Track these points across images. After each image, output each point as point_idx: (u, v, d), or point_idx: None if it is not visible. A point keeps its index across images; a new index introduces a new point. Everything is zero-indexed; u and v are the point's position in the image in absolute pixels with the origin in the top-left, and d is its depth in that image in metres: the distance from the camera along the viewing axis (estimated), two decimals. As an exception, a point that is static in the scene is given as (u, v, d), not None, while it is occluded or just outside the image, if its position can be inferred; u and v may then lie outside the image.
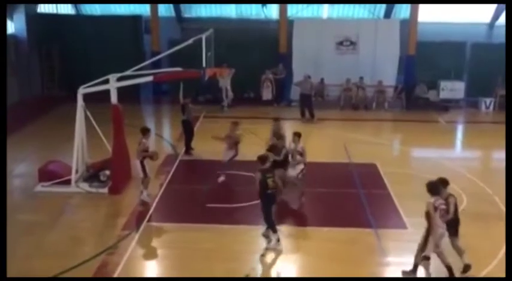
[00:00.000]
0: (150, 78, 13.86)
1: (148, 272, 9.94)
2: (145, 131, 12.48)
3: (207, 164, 15.38)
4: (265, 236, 10.53)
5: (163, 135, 19.06)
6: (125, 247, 10.36)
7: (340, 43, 23.91)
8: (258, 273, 9.64)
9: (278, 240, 10.36)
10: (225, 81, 22.49)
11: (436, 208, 9.13)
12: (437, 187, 9.37)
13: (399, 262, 10.17)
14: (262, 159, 10.64)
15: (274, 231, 10.41)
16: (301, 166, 12.52)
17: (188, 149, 16.20)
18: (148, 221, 11.63)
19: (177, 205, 12.74)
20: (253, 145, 17.17)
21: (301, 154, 12.55)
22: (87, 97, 13.27)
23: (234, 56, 22.19)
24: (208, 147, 16.11)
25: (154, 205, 12.46)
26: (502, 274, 9.51)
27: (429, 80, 23.62)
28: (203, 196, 13.00)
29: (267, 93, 22.79)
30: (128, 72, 13.51)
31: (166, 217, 12.13)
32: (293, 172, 12.46)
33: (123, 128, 13.49)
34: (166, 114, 23.28)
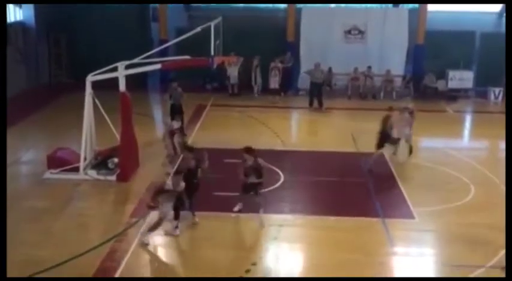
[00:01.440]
0: (158, 66, 13.85)
1: (156, 259, 9.99)
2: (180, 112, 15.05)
3: (213, 152, 15.33)
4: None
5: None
6: (134, 234, 10.41)
7: (348, 32, 23.75)
8: (265, 262, 9.66)
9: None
10: (233, 69, 22.48)
11: None
12: None
13: (407, 252, 10.20)
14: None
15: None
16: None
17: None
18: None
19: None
20: (263, 134, 17.25)
21: (259, 172, 10.90)
22: (95, 85, 13.28)
23: (241, 44, 22.11)
24: (215, 135, 16.14)
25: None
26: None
27: (438, 69, 23.45)
28: (210, 183, 13.02)
29: (274, 82, 22.73)
30: (136, 60, 13.50)
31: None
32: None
33: (131, 115, 13.50)
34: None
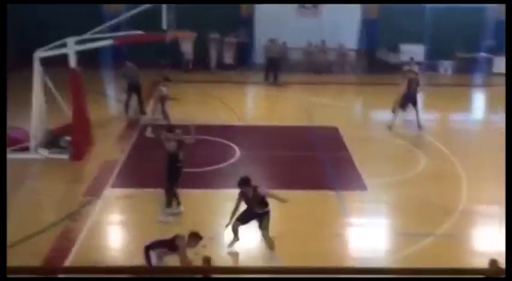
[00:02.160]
0: (110, 42, 13.55)
1: (111, 238, 9.94)
2: (166, 79, 14.90)
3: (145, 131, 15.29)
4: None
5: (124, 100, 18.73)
6: (88, 213, 10.30)
7: (302, 6, 23.76)
8: (222, 237, 9.73)
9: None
10: (187, 45, 22.20)
11: None
12: None
13: (360, 222, 10.44)
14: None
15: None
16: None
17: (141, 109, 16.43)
18: (111, 187, 11.56)
19: (141, 170, 12.66)
20: (218, 109, 17.21)
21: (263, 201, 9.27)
22: (45, 61, 12.90)
23: (195, 19, 21.80)
24: (170, 111, 15.97)
25: (117, 170, 12.37)
26: (458, 231, 9.91)
27: (390, 43, 23.78)
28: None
29: (228, 57, 22.61)
30: (87, 35, 13.16)
31: (129, 183, 12.06)
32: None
33: (83, 93, 13.23)
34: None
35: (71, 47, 12.72)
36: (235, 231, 9.23)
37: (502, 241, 9.91)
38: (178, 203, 10.47)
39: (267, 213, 9.10)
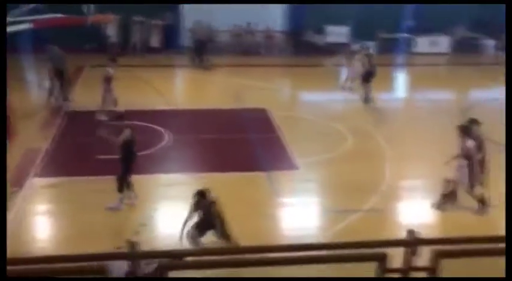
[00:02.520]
0: (29, 25, 12.96)
1: (37, 228, 9.62)
2: (112, 60, 14.68)
3: (94, 115, 14.89)
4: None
5: (46, 86, 18.05)
6: (11, 205, 9.90)
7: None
8: (154, 222, 9.65)
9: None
10: (111, 28, 21.60)
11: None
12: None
13: (292, 201, 10.62)
14: None
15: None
16: None
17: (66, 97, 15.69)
18: (35, 176, 11.16)
19: (65, 158, 12.30)
20: (147, 93, 16.91)
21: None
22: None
23: (119, 2, 21.23)
24: (95, 97, 15.56)
25: (40, 159, 11.95)
26: (384, 206, 10.29)
27: (316, 24, 24.11)
28: (93, 147, 12.64)
29: (155, 41, 22.20)
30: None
31: (54, 171, 11.69)
32: None
33: (6, 77, 12.61)
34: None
35: (-13, 31, 12.07)
36: (196, 243, 8.57)
37: (424, 213, 10.44)
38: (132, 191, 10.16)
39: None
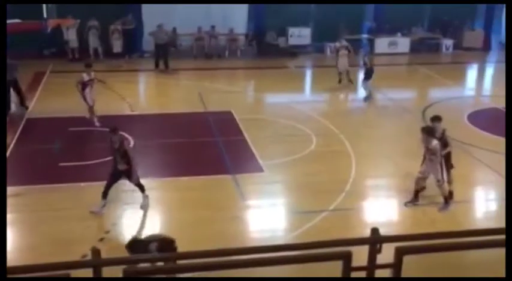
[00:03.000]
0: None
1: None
2: (86, 66, 14.16)
3: (55, 121, 14.65)
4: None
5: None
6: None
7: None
8: (119, 229, 9.54)
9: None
10: (71, 33, 21.26)
11: None
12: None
13: (258, 204, 10.64)
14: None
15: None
16: None
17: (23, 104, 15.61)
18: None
19: (26, 166, 12.04)
20: (110, 99, 16.70)
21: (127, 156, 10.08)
22: None
23: (78, 6, 20.94)
24: (56, 104, 15.32)
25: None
26: (349, 205, 10.42)
27: (278, 27, 24.26)
28: (55, 155, 12.43)
29: (117, 46, 21.98)
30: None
31: (14, 180, 11.41)
32: None
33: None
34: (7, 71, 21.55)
35: None
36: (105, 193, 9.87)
37: (388, 211, 10.62)
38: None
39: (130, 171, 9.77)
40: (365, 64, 17.54)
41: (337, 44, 19.28)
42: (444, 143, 10.15)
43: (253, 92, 19.49)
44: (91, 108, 14.09)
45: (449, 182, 10.44)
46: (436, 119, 10.45)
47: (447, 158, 10.33)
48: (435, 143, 9.90)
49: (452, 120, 14.99)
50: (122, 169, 9.82)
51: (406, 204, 10.39)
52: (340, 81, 18.59)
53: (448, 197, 10.28)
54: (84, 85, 13.88)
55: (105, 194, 9.90)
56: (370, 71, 17.26)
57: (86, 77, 13.93)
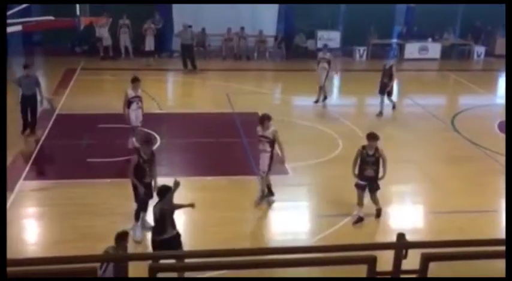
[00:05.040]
0: (18, 28, 12.93)
1: (26, 231, 9.57)
2: (133, 80, 12.33)
3: (85, 118, 14.87)
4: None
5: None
6: (1, 207, 9.84)
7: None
8: (144, 226, 9.62)
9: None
10: (104, 31, 21.57)
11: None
12: None
13: (282, 206, 10.63)
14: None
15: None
16: None
17: (31, 129, 13.57)
18: (25, 179, 11.11)
19: (55, 161, 12.27)
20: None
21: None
22: None
23: (109, 4, 21.21)
24: (86, 100, 15.54)
25: (31, 162, 11.90)
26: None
27: (307, 29, 24.22)
28: (83, 150, 12.62)
29: (149, 44, 22.20)
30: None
31: (44, 174, 11.67)
32: None
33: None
34: (40, 67, 21.94)
35: (-24, 34, 12.01)
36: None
37: (414, 217, 10.51)
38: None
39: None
40: (389, 73, 15.73)
41: (320, 54, 17.06)
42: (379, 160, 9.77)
43: (281, 94, 19.48)
44: (133, 129, 12.51)
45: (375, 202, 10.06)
46: (371, 137, 9.85)
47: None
48: (271, 129, 10.22)
49: (482, 128, 14.80)
50: (147, 182, 9.12)
51: (256, 203, 10.31)
52: (317, 100, 16.72)
53: (269, 192, 10.40)
54: (129, 102, 12.24)
55: (137, 216, 9.28)
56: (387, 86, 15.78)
57: (131, 93, 12.28)
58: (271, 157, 10.25)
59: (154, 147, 12.69)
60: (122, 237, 7.10)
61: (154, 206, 7.83)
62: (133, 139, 12.33)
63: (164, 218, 7.64)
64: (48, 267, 3.32)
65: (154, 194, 8.45)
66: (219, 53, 23.19)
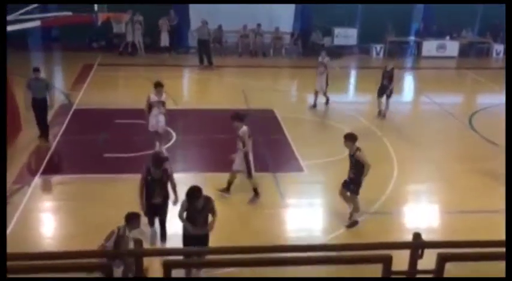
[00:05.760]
0: (37, 23, 13.04)
1: (43, 225, 9.67)
2: (155, 85, 11.98)
3: (103, 113, 14.96)
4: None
5: (55, 84, 18.16)
6: (18, 201, 9.96)
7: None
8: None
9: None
10: (122, 27, 21.69)
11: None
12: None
13: (297, 203, 10.62)
14: None
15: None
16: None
17: (44, 132, 12.98)
18: (42, 173, 11.22)
19: (72, 156, 12.36)
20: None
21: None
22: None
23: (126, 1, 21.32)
24: (103, 95, 15.62)
25: (48, 157, 12.01)
26: (389, 209, 10.28)
27: (324, 26, 24.12)
28: (99, 146, 12.70)
29: (164, 40, 22.28)
30: (13, 17, 12.61)
31: (61, 169, 11.77)
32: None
33: (9, 77, 12.69)
34: (58, 62, 22.17)
35: (-4, 29, 12.14)
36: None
37: (428, 217, 10.43)
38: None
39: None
40: (389, 75, 15.16)
41: (319, 59, 16.58)
42: (358, 162, 9.36)
43: (297, 91, 19.44)
44: (157, 135, 12.18)
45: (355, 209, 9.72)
46: (345, 137, 9.60)
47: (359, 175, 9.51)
48: (243, 129, 10.05)
49: (500, 127, 14.55)
50: (156, 202, 8.66)
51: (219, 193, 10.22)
52: (314, 105, 16.29)
53: (256, 191, 10.26)
54: (150, 106, 11.94)
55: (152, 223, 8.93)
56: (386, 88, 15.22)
57: (153, 97, 11.94)
58: (246, 158, 10.13)
59: (170, 143, 12.76)
60: (132, 217, 7.25)
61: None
62: (158, 144, 12.17)
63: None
64: (63, 261, 3.35)
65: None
66: (235, 49, 23.20)
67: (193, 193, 7.46)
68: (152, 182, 8.49)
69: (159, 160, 8.62)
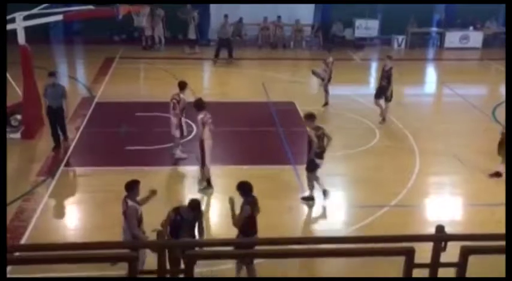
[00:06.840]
0: (60, 17, 13.15)
1: (66, 217, 9.80)
2: (181, 85, 11.70)
3: (124, 106, 15.07)
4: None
5: (77, 77, 18.35)
6: (42, 193, 10.11)
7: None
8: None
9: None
10: (143, 20, 21.77)
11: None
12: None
13: (318, 195, 10.58)
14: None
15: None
16: None
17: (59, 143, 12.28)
18: (65, 166, 11.36)
19: (95, 149, 12.48)
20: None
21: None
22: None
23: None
24: (124, 89, 15.72)
25: (71, 149, 12.15)
26: (410, 201, 10.22)
27: (345, 18, 23.92)
28: (121, 138, 12.80)
29: (192, 33, 22.28)
30: (36, 10, 12.74)
31: (83, 161, 11.89)
32: None
33: (32, 70, 12.86)
34: (79, 56, 22.36)
35: (20, 23, 12.30)
36: None
37: (451, 209, 10.33)
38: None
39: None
40: (388, 75, 14.34)
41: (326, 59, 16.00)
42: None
43: (317, 84, 19.32)
44: (176, 138, 11.80)
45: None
46: (307, 117, 10.09)
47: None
48: (200, 116, 10.30)
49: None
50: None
51: (200, 191, 10.37)
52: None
53: (208, 182, 10.38)
54: (174, 105, 11.63)
55: None
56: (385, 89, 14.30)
57: (176, 96, 11.70)
58: (201, 145, 10.36)
59: (191, 136, 12.79)
60: (132, 185, 7.57)
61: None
62: (178, 150, 11.85)
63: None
64: (86, 252, 3.40)
65: None
66: (255, 41, 23.14)
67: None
68: (182, 222, 7.66)
69: (195, 205, 7.73)
